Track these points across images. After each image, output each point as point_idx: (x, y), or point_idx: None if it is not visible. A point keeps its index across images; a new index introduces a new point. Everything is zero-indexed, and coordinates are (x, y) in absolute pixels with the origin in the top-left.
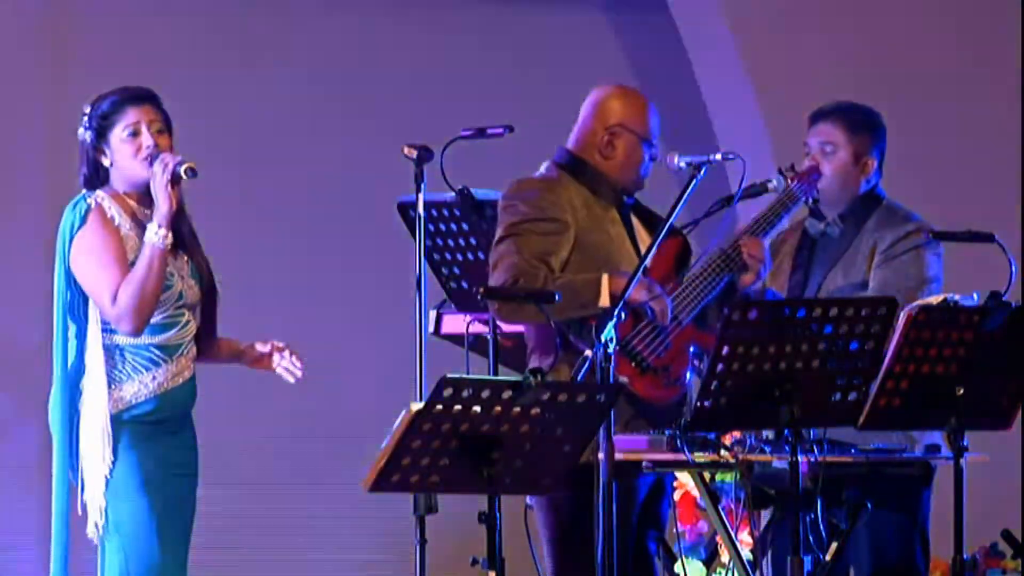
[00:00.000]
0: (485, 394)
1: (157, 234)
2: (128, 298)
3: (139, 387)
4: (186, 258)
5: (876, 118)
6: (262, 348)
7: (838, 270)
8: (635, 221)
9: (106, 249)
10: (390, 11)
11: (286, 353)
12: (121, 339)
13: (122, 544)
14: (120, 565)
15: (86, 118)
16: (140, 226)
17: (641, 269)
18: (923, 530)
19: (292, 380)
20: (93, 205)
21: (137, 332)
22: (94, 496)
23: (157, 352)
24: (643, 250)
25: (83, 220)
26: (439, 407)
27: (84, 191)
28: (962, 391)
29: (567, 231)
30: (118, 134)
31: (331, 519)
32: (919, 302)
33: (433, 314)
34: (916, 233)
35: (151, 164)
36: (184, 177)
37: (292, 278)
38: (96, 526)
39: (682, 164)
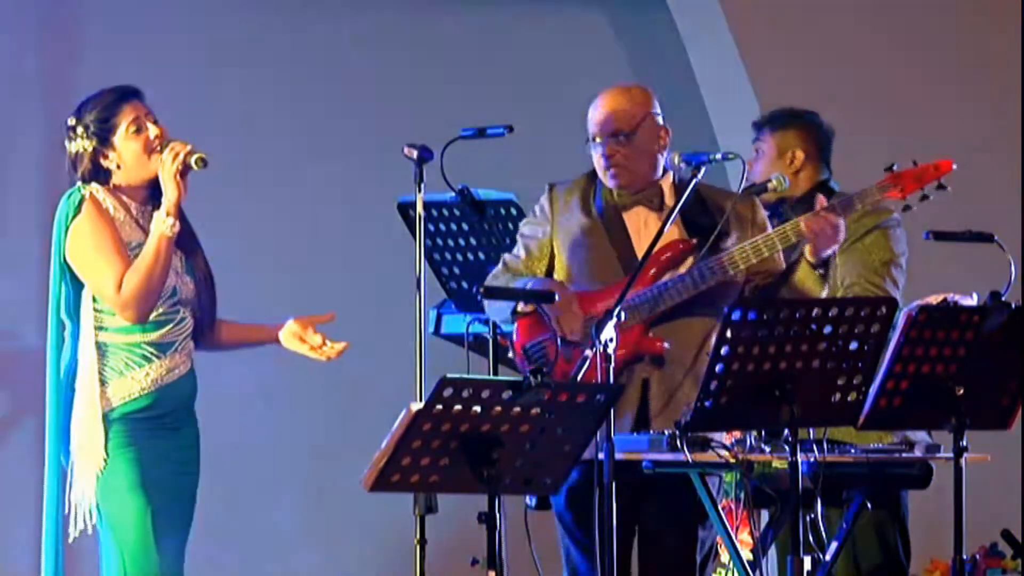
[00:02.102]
0: (485, 394)
1: (165, 222)
2: (135, 286)
3: (132, 384)
4: (180, 254)
5: (800, 115)
6: (320, 317)
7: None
8: (650, 215)
9: (104, 238)
10: (390, 11)
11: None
12: (114, 336)
13: (118, 542)
14: (117, 563)
15: (81, 128)
16: (135, 222)
17: (629, 282)
18: (903, 526)
19: (324, 359)
20: (87, 195)
21: (142, 320)
22: (84, 494)
23: (150, 349)
24: (639, 253)
25: (77, 210)
26: (439, 407)
27: (78, 184)
28: (962, 391)
29: (550, 233)
30: (123, 134)
31: (331, 519)
32: (918, 302)
33: (433, 314)
34: (873, 214)
35: (160, 152)
36: (194, 168)
37: (292, 278)
38: (85, 524)
39: (682, 164)
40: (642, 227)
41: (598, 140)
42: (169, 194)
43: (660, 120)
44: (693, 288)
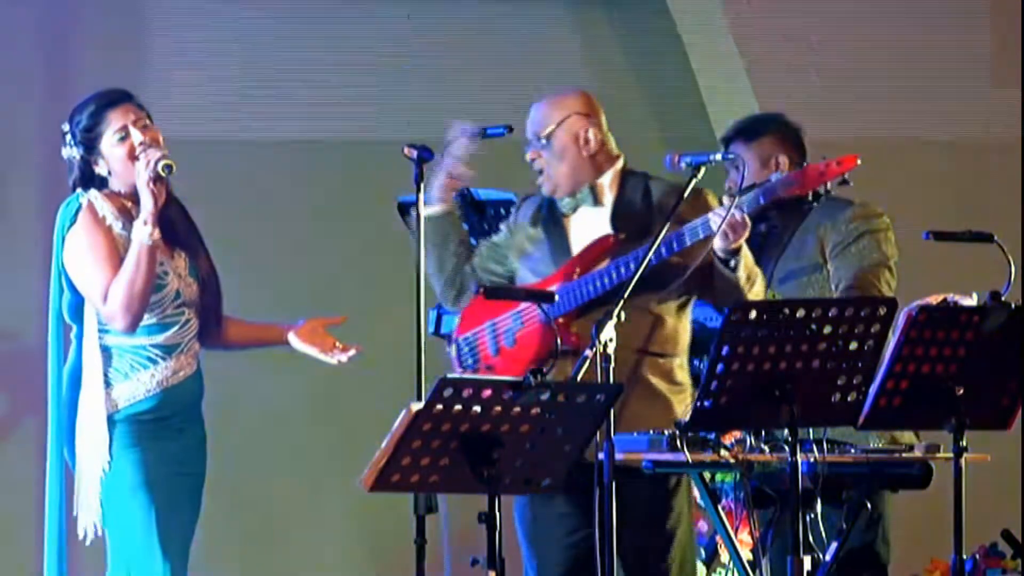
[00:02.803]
0: (485, 394)
1: (143, 230)
2: (118, 296)
3: (137, 385)
4: (184, 256)
5: (771, 121)
6: (331, 320)
7: (789, 256)
8: (592, 213)
9: (96, 247)
10: (390, 10)
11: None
12: (120, 339)
13: (122, 542)
14: (123, 563)
15: (69, 136)
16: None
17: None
18: (883, 524)
19: (334, 361)
20: (84, 204)
21: (130, 329)
22: (90, 495)
23: (156, 351)
24: (577, 246)
25: (74, 219)
26: (439, 407)
27: (78, 190)
28: (962, 391)
29: (509, 247)
30: (108, 141)
31: (331, 519)
32: (918, 302)
33: (433, 314)
34: (862, 216)
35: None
36: (161, 174)
37: (292, 278)
38: (94, 525)
39: (682, 164)
40: (584, 229)
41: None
42: (145, 203)
43: (597, 120)
44: (618, 278)
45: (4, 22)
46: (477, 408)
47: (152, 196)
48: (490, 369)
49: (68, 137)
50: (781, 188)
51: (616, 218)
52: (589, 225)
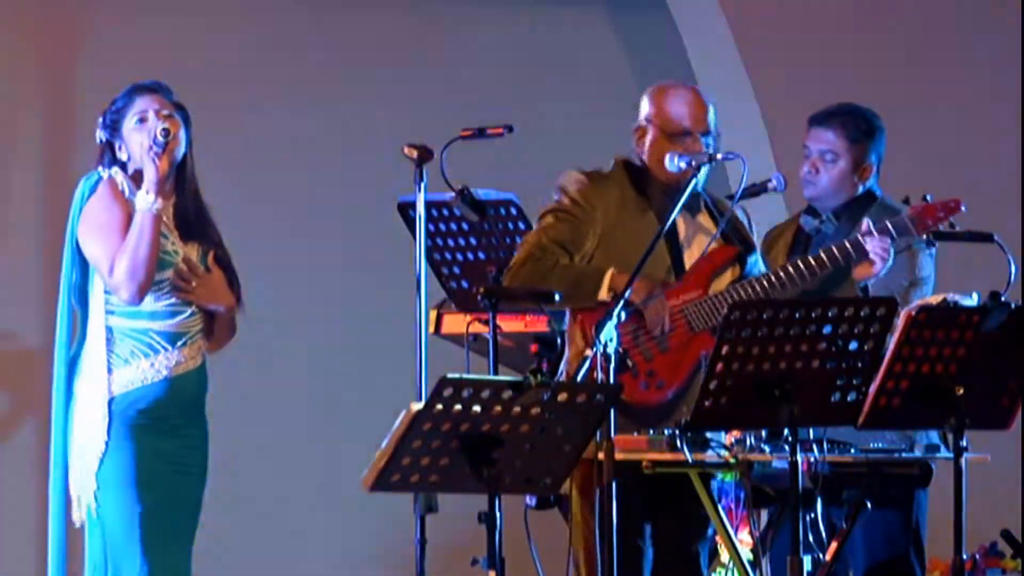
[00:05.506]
0: (485, 394)
1: (145, 199)
2: (123, 264)
3: (135, 372)
4: (198, 247)
5: (875, 123)
6: None
7: None
8: (690, 221)
9: (111, 218)
10: (390, 10)
11: None
12: (122, 321)
13: (105, 537)
14: (99, 556)
15: (101, 117)
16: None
17: (639, 269)
18: (917, 528)
19: None
20: (105, 177)
21: (135, 300)
22: (85, 479)
23: (158, 338)
24: (686, 252)
25: (93, 190)
26: (439, 407)
27: (100, 167)
28: (962, 391)
29: (594, 225)
30: (128, 124)
31: (331, 519)
32: (919, 302)
33: (433, 314)
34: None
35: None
36: (160, 139)
37: (292, 278)
38: (89, 510)
39: (681, 164)
40: (683, 232)
41: (698, 135)
42: (146, 171)
43: None
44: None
45: (5, 17)
46: (477, 408)
47: (153, 165)
48: (651, 375)
49: (100, 120)
50: (909, 227)
51: (722, 236)
52: (688, 234)
